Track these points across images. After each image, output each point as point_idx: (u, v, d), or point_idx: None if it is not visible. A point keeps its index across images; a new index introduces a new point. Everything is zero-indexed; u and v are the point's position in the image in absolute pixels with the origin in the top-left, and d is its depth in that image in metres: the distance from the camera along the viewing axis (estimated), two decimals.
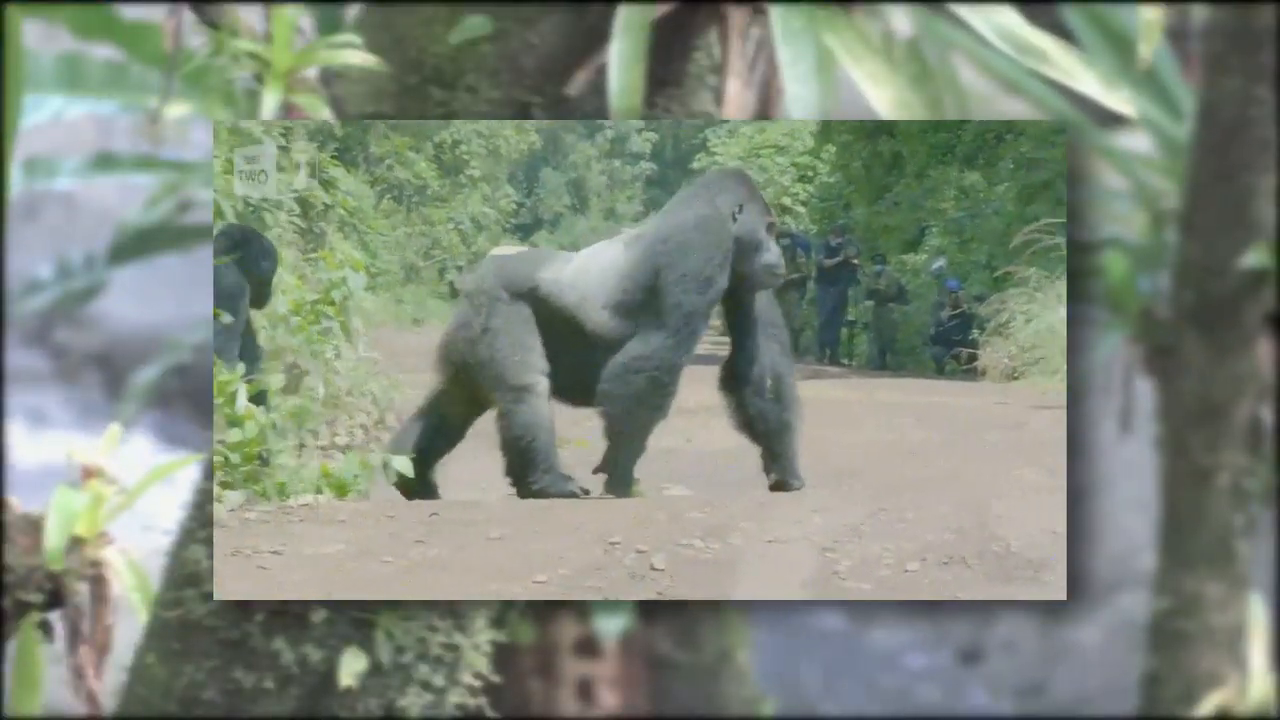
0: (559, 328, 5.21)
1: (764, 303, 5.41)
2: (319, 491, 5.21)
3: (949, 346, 16.16)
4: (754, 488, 5.49)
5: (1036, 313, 13.45)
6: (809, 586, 4.02)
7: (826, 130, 24.82)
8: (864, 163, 23.49)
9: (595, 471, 5.32)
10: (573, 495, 5.08)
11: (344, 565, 4.08)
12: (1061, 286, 13.63)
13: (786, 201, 27.59)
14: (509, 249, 5.64)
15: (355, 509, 4.92)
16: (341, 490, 5.28)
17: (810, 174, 27.70)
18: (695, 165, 30.67)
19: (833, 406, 5.40)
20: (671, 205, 5.47)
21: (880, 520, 4.58)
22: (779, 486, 5.36)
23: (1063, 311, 12.92)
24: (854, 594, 3.97)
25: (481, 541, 4.36)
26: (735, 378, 5.38)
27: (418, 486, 5.35)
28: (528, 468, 5.15)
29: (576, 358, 5.22)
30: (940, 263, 17.98)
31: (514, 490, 5.23)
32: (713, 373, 5.51)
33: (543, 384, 5.19)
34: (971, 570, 4.16)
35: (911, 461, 5.21)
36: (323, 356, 6.62)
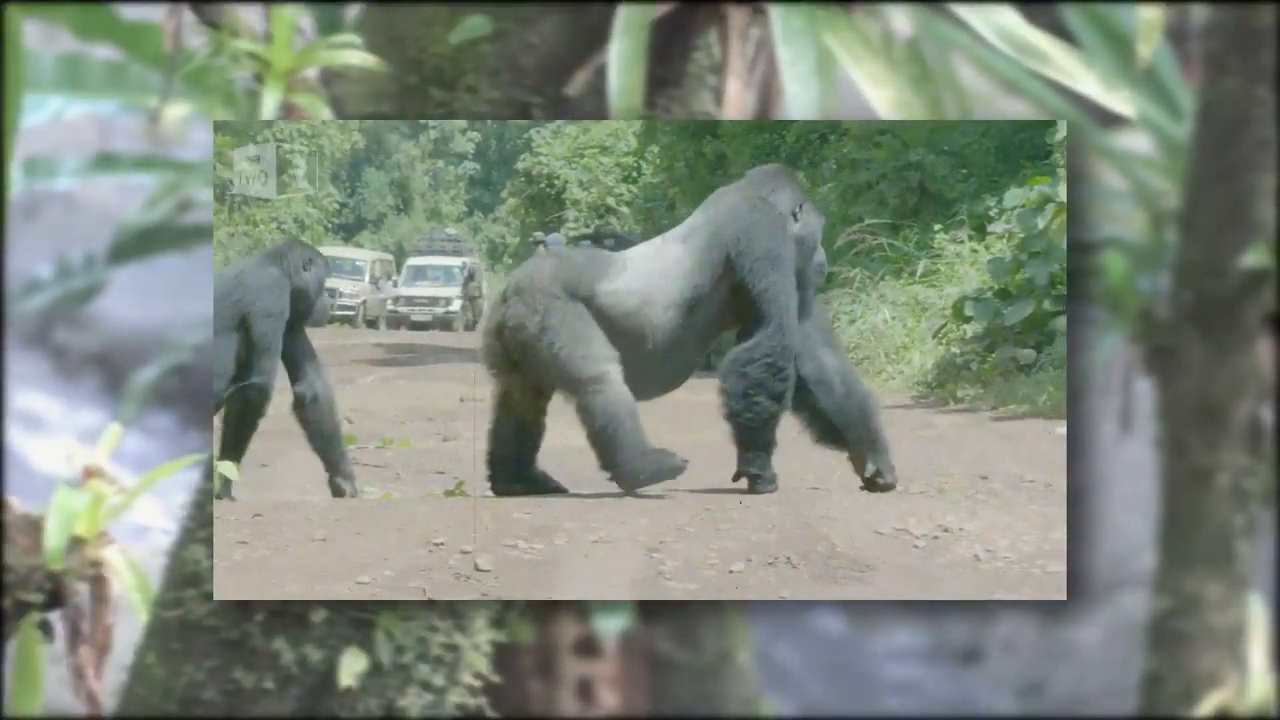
0: (617, 333, 5.16)
1: (805, 304, 5.32)
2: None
3: None
4: (586, 486, 5.42)
5: (860, 313, 13.47)
6: (634, 587, 4.04)
7: (650, 131, 25.05)
8: (688, 163, 23.65)
9: (735, 478, 5.20)
10: (676, 470, 4.98)
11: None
12: (885, 287, 13.69)
13: (611, 202, 27.68)
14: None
15: None
16: None
17: (634, 174, 27.80)
18: (520, 165, 30.60)
19: (658, 407, 5.39)
20: (715, 198, 5.40)
21: (705, 521, 4.58)
22: (874, 485, 5.21)
23: (886, 312, 12.97)
24: (679, 594, 3.99)
25: (305, 542, 4.33)
26: (801, 388, 5.23)
27: (524, 487, 5.32)
28: (621, 456, 5.04)
29: (635, 359, 5.18)
30: None
31: (616, 483, 5.11)
32: None
33: (615, 370, 5.11)
34: (797, 570, 4.18)
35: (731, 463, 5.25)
36: None
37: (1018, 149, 15.99)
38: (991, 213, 13.66)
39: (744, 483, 5.18)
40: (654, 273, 5.21)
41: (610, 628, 3.41)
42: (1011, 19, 3.45)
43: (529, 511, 4.64)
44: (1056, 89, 3.52)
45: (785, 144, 20.65)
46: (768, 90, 3.47)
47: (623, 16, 3.34)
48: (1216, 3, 3.38)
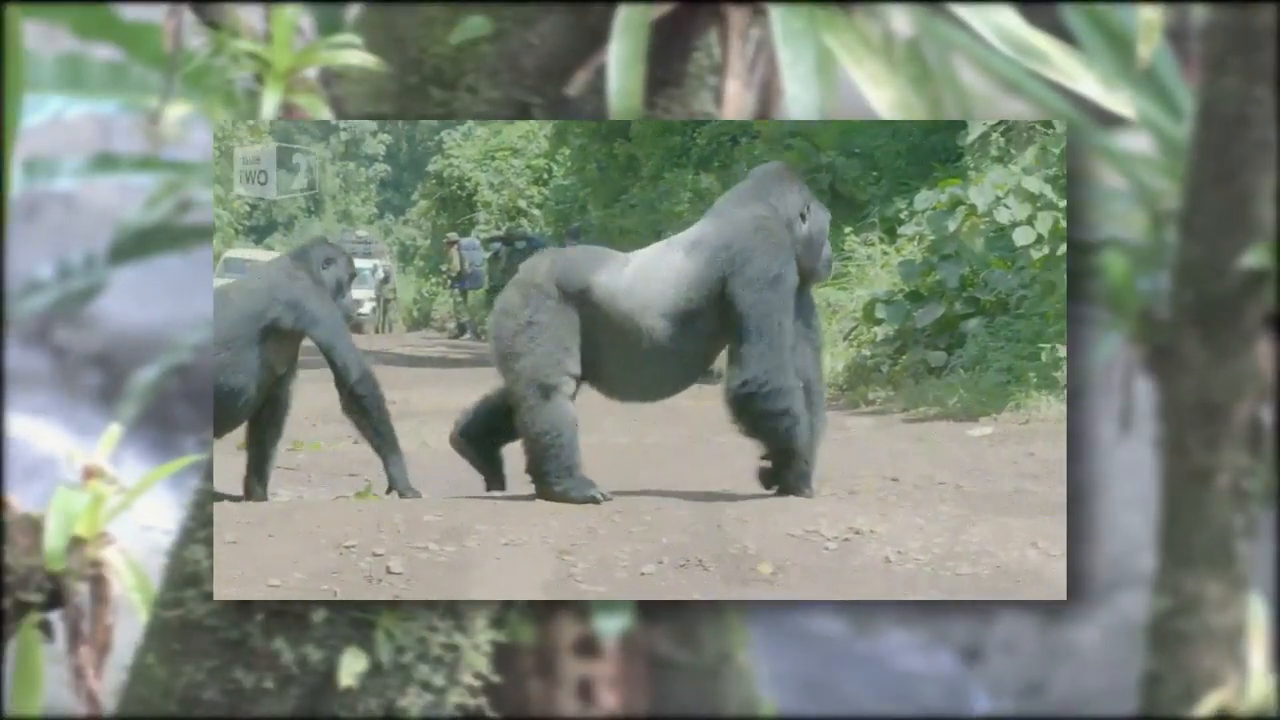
0: (612, 332, 5.16)
1: (806, 304, 5.33)
2: None
3: None
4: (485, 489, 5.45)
5: None
6: (546, 589, 4.06)
7: (562, 133, 25.07)
8: (599, 165, 23.70)
9: (779, 493, 5.18)
10: (593, 500, 4.99)
11: None
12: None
13: (522, 204, 27.71)
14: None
15: None
16: None
17: (546, 176, 27.81)
18: (431, 167, 30.52)
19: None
20: (724, 206, 5.36)
21: (616, 523, 4.60)
22: (789, 491, 5.23)
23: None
24: (591, 596, 4.00)
25: (217, 545, 4.32)
26: None
27: (476, 454, 5.40)
28: (550, 466, 5.10)
29: (630, 360, 5.19)
30: None
31: (535, 488, 5.19)
32: (446, 375, 5.45)
33: (571, 386, 5.17)
34: (709, 573, 4.20)
35: (648, 464, 5.24)
36: None
37: (929, 151, 16.03)
38: (902, 215, 13.68)
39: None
40: (652, 278, 5.20)
41: (610, 628, 3.41)
42: (1011, 19, 3.45)
43: (440, 514, 4.64)
44: (1056, 89, 3.52)
45: (697, 146, 20.73)
46: (768, 91, 3.47)
47: (623, 17, 3.34)
48: (1216, 3, 3.38)
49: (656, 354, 5.18)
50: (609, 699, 3.40)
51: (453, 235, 24.89)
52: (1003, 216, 10.78)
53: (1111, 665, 3.71)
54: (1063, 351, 8.96)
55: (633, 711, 3.42)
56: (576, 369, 5.18)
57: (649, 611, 3.48)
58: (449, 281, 24.93)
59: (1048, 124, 11.35)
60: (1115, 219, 3.76)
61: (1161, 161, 3.72)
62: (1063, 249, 9.87)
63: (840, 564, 4.29)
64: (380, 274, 29.97)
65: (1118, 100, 3.47)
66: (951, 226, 11.20)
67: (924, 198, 12.04)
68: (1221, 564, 3.37)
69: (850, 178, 16.25)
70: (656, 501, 4.91)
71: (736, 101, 3.45)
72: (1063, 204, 10.31)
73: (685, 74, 3.49)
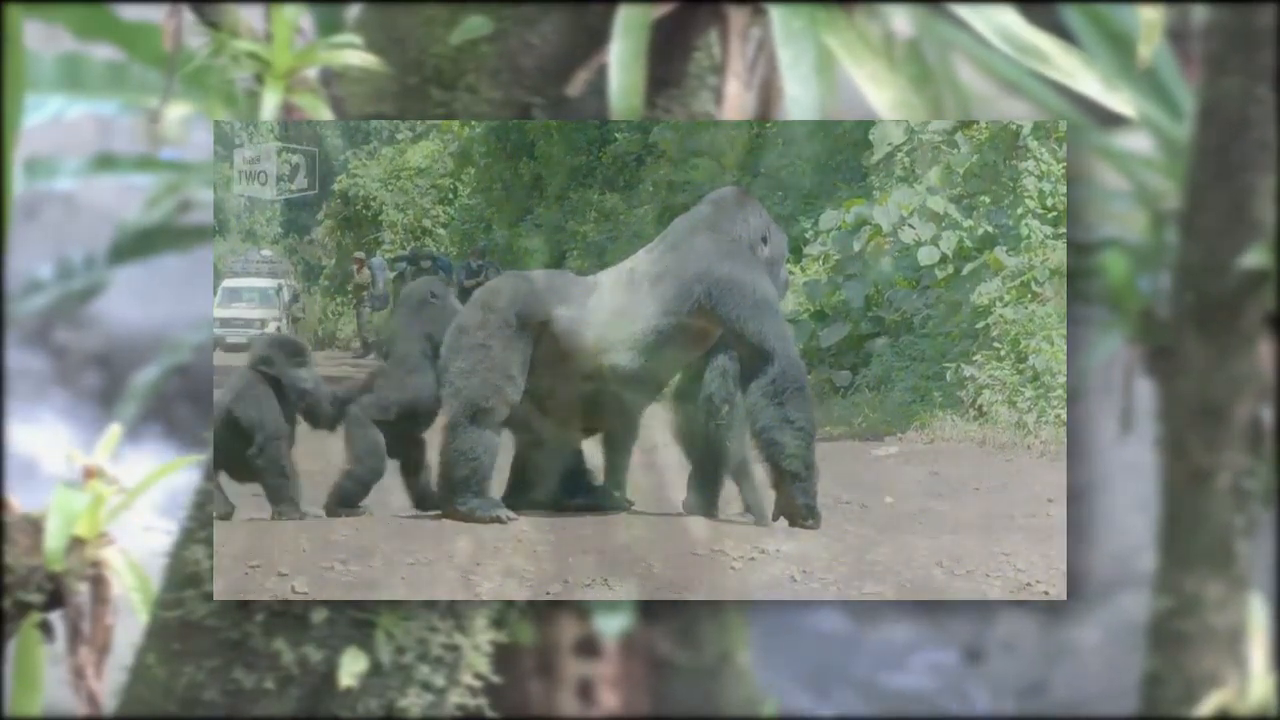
0: (570, 363, 5.14)
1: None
2: None
3: None
4: (391, 509, 5.42)
5: None
6: None
7: (467, 153, 25.15)
8: (504, 185, 23.74)
9: (777, 516, 5.11)
10: (498, 520, 4.97)
11: None
12: None
13: (427, 224, 27.74)
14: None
15: None
16: None
17: (451, 196, 27.81)
18: (336, 186, 30.58)
19: None
20: (682, 235, 5.29)
21: (522, 542, 4.58)
22: (695, 510, 5.21)
23: None
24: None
25: None
26: (693, 391, 5.26)
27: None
28: (462, 486, 5.09)
29: (587, 391, 5.17)
30: None
31: (441, 506, 5.17)
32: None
33: (503, 413, 5.15)
34: (613, 590, 4.18)
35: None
36: None
37: (834, 171, 16.01)
38: (807, 235, 13.71)
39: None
40: (618, 312, 5.14)
41: (610, 628, 3.41)
42: (1011, 19, 3.45)
43: (345, 533, 4.62)
44: (1056, 89, 3.52)
45: (602, 166, 20.73)
46: (768, 91, 3.47)
47: (623, 17, 3.34)
48: (1216, 3, 3.38)
49: (620, 384, 5.14)
50: (609, 699, 3.41)
51: (360, 254, 24.99)
52: (907, 236, 10.86)
53: (1111, 665, 3.71)
54: (966, 371, 9.03)
55: (633, 711, 3.42)
56: (516, 397, 5.14)
57: (649, 611, 3.48)
58: (364, 300, 24.97)
59: (952, 143, 11.39)
60: (1115, 219, 3.77)
61: (1161, 161, 3.72)
62: (966, 268, 9.97)
63: (746, 582, 4.28)
64: (286, 294, 29.87)
65: (1118, 100, 3.47)
66: (856, 246, 11.33)
67: (829, 217, 12.14)
68: (1221, 564, 3.37)
69: (755, 197, 16.25)
70: (563, 521, 4.89)
71: (736, 101, 3.45)
72: (967, 223, 10.41)
73: (685, 74, 3.50)
